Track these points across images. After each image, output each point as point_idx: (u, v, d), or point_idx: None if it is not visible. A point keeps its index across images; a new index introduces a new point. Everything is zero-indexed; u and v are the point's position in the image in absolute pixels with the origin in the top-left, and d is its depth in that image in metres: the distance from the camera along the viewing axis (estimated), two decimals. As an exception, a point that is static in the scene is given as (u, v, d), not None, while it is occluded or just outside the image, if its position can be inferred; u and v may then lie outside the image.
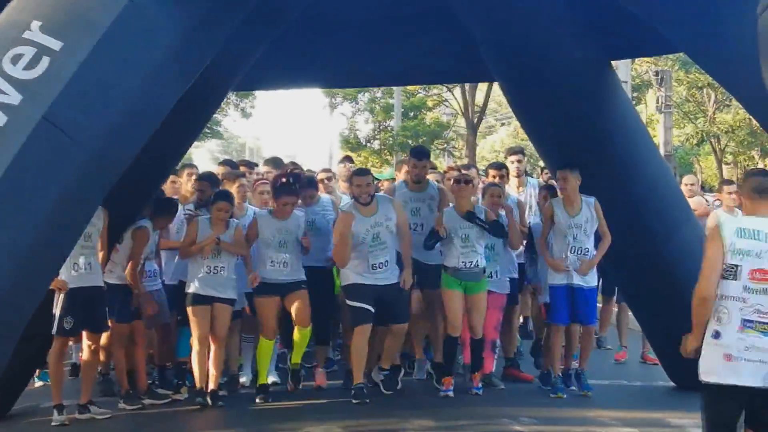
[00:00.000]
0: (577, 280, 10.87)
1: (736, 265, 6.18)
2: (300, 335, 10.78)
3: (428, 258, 11.08)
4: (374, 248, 10.60)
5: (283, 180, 11.10)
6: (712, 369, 6.21)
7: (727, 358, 6.14)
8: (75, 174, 6.32)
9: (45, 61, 6.32)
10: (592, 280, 11.03)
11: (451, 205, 11.07)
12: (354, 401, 10.47)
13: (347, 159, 15.56)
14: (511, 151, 13.41)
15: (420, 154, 11.62)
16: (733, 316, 6.18)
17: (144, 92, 6.92)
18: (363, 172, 11.32)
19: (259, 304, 10.72)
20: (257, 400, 10.62)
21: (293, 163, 13.86)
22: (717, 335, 6.21)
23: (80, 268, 9.74)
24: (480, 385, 10.95)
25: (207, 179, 11.77)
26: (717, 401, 6.24)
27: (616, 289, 12.97)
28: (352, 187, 10.95)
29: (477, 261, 10.74)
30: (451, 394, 10.75)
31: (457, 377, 11.17)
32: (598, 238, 10.96)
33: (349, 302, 10.73)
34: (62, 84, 6.30)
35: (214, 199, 10.72)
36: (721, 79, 9.23)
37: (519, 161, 12.80)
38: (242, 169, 13.01)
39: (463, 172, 11.86)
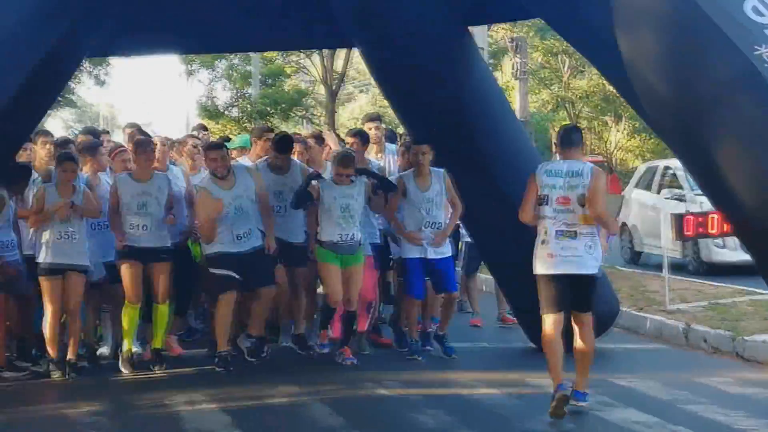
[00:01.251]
0: (431, 254, 10.99)
1: (546, 195, 8.63)
2: (158, 312, 10.68)
3: (292, 236, 11.10)
4: (237, 219, 10.54)
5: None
6: (542, 265, 8.65)
7: (550, 257, 8.60)
8: None
9: None
10: (447, 250, 11.16)
11: (328, 174, 11.04)
12: (218, 369, 10.46)
13: (202, 127, 15.32)
14: (368, 118, 13.46)
15: (282, 147, 11.32)
16: (549, 229, 8.61)
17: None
18: (216, 145, 11.16)
19: (122, 269, 10.57)
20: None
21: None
22: (543, 242, 8.66)
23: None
24: (353, 356, 10.91)
25: (62, 145, 11.58)
26: (546, 287, 8.64)
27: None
28: (207, 161, 10.85)
29: (354, 234, 10.70)
30: (326, 350, 10.98)
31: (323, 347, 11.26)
32: None
33: (213, 270, 10.67)
34: None
35: (59, 159, 10.52)
36: (578, 46, 9.42)
37: (377, 128, 12.85)
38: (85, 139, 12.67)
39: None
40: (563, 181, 8.60)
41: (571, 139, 8.91)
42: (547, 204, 8.62)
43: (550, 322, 8.61)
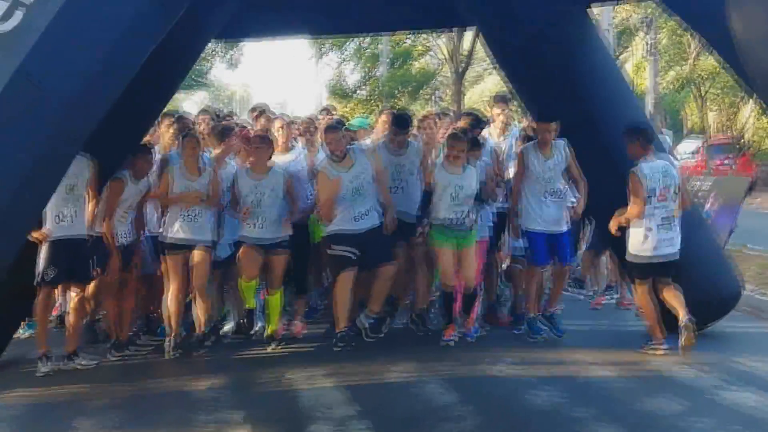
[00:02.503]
0: (553, 227, 11.01)
1: (651, 191, 10.18)
2: (271, 300, 10.92)
3: (409, 214, 11.15)
4: (355, 200, 10.69)
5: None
6: (644, 251, 10.30)
7: (653, 246, 10.25)
8: (50, 125, 6.37)
9: (18, 15, 6.35)
10: (564, 224, 11.13)
11: (440, 157, 11.13)
12: (336, 348, 10.63)
13: (326, 110, 15.41)
14: (495, 100, 13.42)
15: (402, 124, 11.44)
16: (652, 221, 10.24)
17: (119, 42, 6.94)
18: (333, 127, 11.21)
19: (242, 253, 10.77)
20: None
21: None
22: (646, 235, 10.24)
23: (64, 219, 9.81)
24: (474, 328, 11.07)
25: (178, 121, 11.87)
26: (647, 267, 10.36)
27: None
28: (326, 142, 10.98)
29: (467, 214, 10.80)
30: (452, 343, 10.90)
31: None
32: None
33: (331, 250, 10.84)
34: (36, 36, 6.33)
35: (183, 137, 10.77)
36: (692, 24, 9.31)
37: (503, 111, 12.81)
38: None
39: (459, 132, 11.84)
40: (660, 178, 10.23)
41: (654, 137, 10.34)
42: (652, 197, 10.21)
43: (644, 288, 10.43)
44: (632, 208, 10.30)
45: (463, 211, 10.75)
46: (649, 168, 10.26)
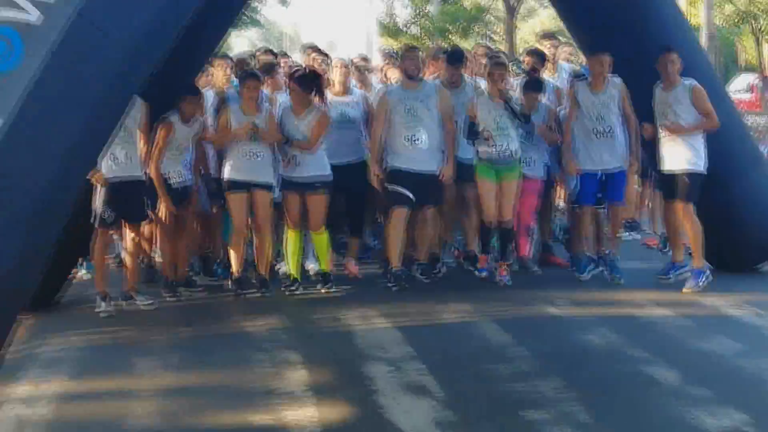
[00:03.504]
0: (603, 165, 10.92)
1: None
2: (316, 240, 10.95)
3: (461, 153, 11.14)
4: (408, 122, 10.79)
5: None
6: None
7: None
8: (111, 68, 6.39)
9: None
10: (618, 162, 10.99)
11: (483, 89, 11.08)
12: (390, 285, 10.71)
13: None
14: (543, 36, 13.31)
15: (455, 59, 11.55)
16: None
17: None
18: (414, 48, 12.17)
19: (284, 199, 10.85)
20: (285, 291, 10.81)
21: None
22: None
23: (119, 160, 9.90)
24: (507, 275, 11.01)
25: (239, 64, 11.91)
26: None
27: (652, 174, 12.91)
28: (404, 61, 11.15)
29: (509, 145, 10.78)
30: (485, 274, 10.97)
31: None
32: None
33: (387, 185, 10.89)
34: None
35: (243, 78, 10.74)
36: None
37: (552, 45, 12.70)
38: (265, 58, 12.91)
39: (500, 57, 11.78)
40: None
41: None
42: None
43: None
44: (713, 119, 10.35)
45: (505, 143, 10.72)
46: None
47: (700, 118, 10.41)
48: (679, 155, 10.47)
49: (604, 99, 10.87)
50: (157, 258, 11.50)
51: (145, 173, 10.19)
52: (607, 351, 8.46)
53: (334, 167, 10.83)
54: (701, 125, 10.43)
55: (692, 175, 10.40)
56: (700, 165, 10.43)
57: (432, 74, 11.96)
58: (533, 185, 11.31)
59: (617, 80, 10.90)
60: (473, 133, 10.81)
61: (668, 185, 10.70)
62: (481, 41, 40.92)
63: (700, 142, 10.47)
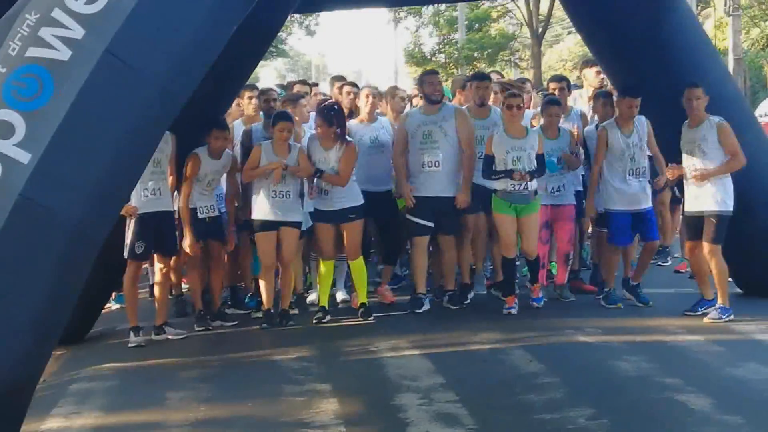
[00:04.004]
0: (636, 206, 10.88)
1: None
2: (354, 268, 10.99)
3: (486, 182, 11.09)
4: (425, 146, 10.90)
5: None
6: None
7: None
8: (140, 105, 6.43)
9: (103, -2, 6.42)
10: (646, 201, 10.97)
11: (500, 127, 11.05)
12: (414, 309, 10.87)
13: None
14: (588, 63, 13.24)
15: (480, 76, 11.95)
16: None
17: (207, 21, 7.00)
18: (434, 72, 12.21)
19: (315, 230, 10.90)
20: (313, 320, 10.81)
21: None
22: None
23: (150, 193, 9.98)
24: (540, 296, 11.08)
25: (263, 94, 11.91)
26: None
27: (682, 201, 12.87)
28: (424, 86, 11.26)
29: (527, 184, 10.70)
30: (514, 311, 10.88)
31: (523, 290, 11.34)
32: None
33: (407, 216, 11.00)
34: (124, 16, 6.41)
35: (275, 119, 10.70)
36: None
37: (597, 72, 12.67)
38: (301, 89, 12.96)
39: (515, 89, 11.74)
40: None
41: None
42: None
43: None
44: (739, 159, 10.23)
45: (523, 182, 10.67)
46: None
47: (727, 156, 10.33)
48: (706, 195, 10.28)
49: (635, 140, 10.86)
50: (185, 290, 11.55)
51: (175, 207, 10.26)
52: (639, 378, 8.39)
53: (365, 194, 10.91)
54: (727, 168, 10.31)
55: (720, 216, 10.24)
56: (729, 204, 10.29)
57: (459, 104, 11.99)
58: (568, 212, 11.32)
59: (643, 119, 10.90)
60: (491, 172, 10.77)
61: (693, 226, 10.50)
62: (508, 68, 41.03)
63: (728, 180, 10.35)
